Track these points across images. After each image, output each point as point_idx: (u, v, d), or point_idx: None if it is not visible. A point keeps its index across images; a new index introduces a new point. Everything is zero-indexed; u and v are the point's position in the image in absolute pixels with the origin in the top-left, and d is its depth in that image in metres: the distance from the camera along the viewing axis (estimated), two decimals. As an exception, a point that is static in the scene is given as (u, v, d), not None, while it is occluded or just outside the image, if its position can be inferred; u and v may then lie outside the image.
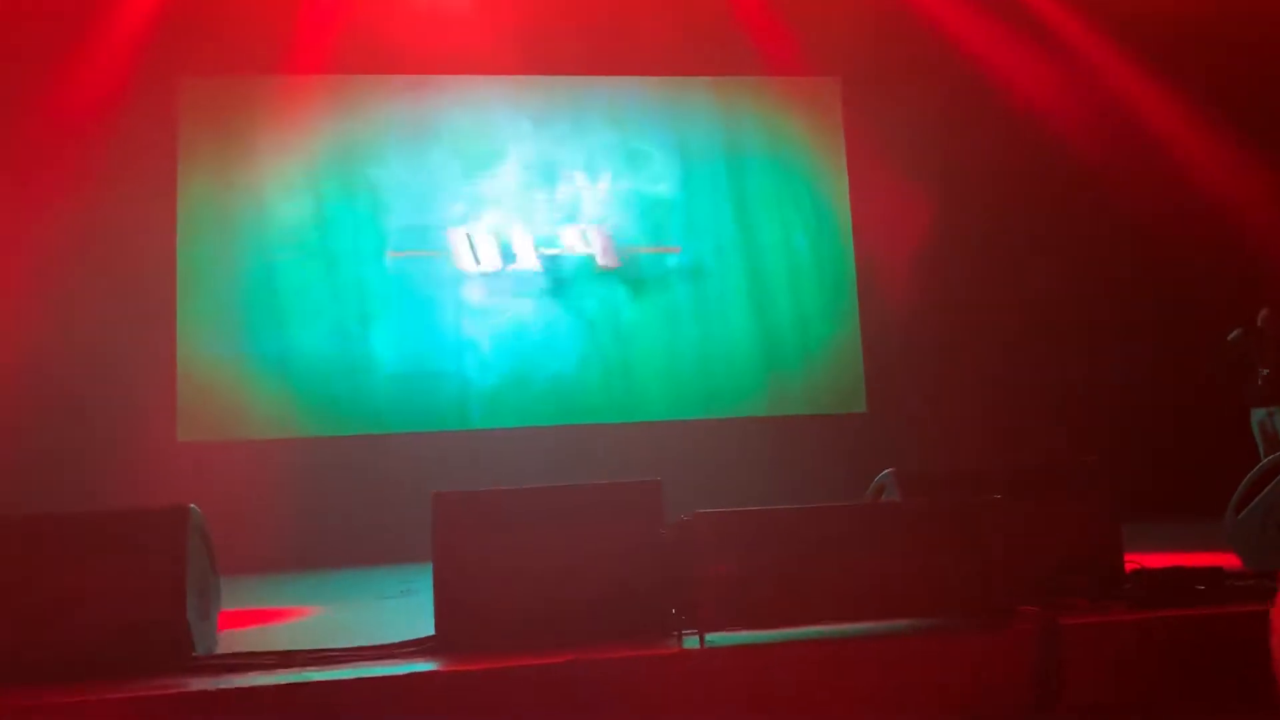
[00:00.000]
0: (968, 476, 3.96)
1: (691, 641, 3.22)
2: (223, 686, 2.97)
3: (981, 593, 3.39)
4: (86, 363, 7.37)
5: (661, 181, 8.46)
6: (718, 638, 3.22)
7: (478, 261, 8.08)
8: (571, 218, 8.28)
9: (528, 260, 8.15)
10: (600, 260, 8.24)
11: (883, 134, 8.47)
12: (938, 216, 8.42)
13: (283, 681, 2.99)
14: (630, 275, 8.32)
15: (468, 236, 8.10)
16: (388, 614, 4.58)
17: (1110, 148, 8.39)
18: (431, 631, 3.38)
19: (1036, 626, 3.25)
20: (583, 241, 8.23)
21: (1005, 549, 3.43)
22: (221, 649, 3.51)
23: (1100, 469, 4.07)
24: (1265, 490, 4.22)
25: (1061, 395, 8.37)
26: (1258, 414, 7.29)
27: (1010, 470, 4.05)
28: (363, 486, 7.53)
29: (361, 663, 3.16)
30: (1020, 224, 8.58)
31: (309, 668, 3.12)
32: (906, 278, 8.34)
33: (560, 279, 8.20)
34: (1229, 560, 4.20)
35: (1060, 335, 8.54)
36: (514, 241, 8.15)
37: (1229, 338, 7.31)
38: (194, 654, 3.24)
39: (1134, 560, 3.83)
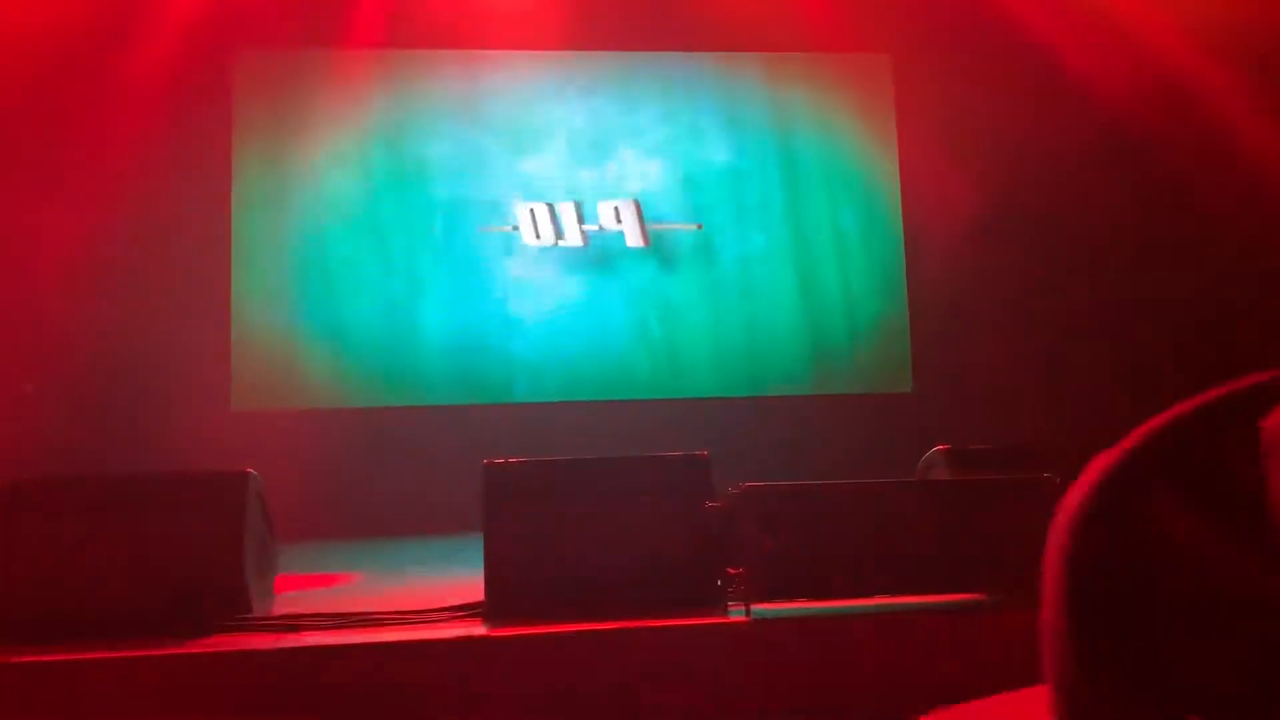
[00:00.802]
0: (1017, 454, 3.94)
1: (738, 613, 3.25)
2: (278, 646, 3.05)
3: (1029, 570, 3.37)
4: (144, 333, 7.52)
5: (709, 158, 8.44)
6: (763, 610, 3.25)
7: (538, 236, 8.13)
8: (618, 194, 8.29)
9: (576, 236, 8.18)
10: (631, 238, 8.23)
11: (934, 111, 8.39)
12: (988, 195, 8.34)
13: (336, 642, 3.06)
14: (677, 252, 8.32)
15: (531, 211, 8.14)
16: (436, 580, 4.64)
17: (1170, 126, 8.25)
18: (480, 598, 3.43)
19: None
20: (623, 218, 8.24)
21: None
22: (276, 610, 3.59)
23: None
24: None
25: (1112, 377, 8.27)
26: None
27: (1059, 448, 4.02)
28: (410, 456, 7.62)
29: (412, 626, 3.23)
30: (1073, 202, 8.47)
31: (361, 629, 3.19)
32: (956, 257, 8.27)
33: (608, 255, 8.22)
34: None
35: (1112, 316, 8.44)
36: (563, 217, 8.18)
37: None
38: (251, 613, 3.33)
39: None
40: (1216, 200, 8.20)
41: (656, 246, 8.27)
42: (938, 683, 3.21)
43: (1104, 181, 8.51)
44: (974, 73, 8.35)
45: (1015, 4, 8.46)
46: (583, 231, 8.18)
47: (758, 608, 3.25)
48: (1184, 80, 8.36)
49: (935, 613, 3.31)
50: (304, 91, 8.13)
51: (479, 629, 3.19)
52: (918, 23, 8.39)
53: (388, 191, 8.12)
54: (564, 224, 8.17)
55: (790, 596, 3.29)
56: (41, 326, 7.41)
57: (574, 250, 8.18)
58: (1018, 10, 8.45)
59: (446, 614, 3.37)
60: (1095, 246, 8.46)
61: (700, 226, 8.33)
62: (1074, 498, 0.65)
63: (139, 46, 7.74)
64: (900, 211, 8.55)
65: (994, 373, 8.17)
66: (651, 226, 8.28)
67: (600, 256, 8.21)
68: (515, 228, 8.14)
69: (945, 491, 3.64)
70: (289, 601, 3.83)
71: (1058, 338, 8.37)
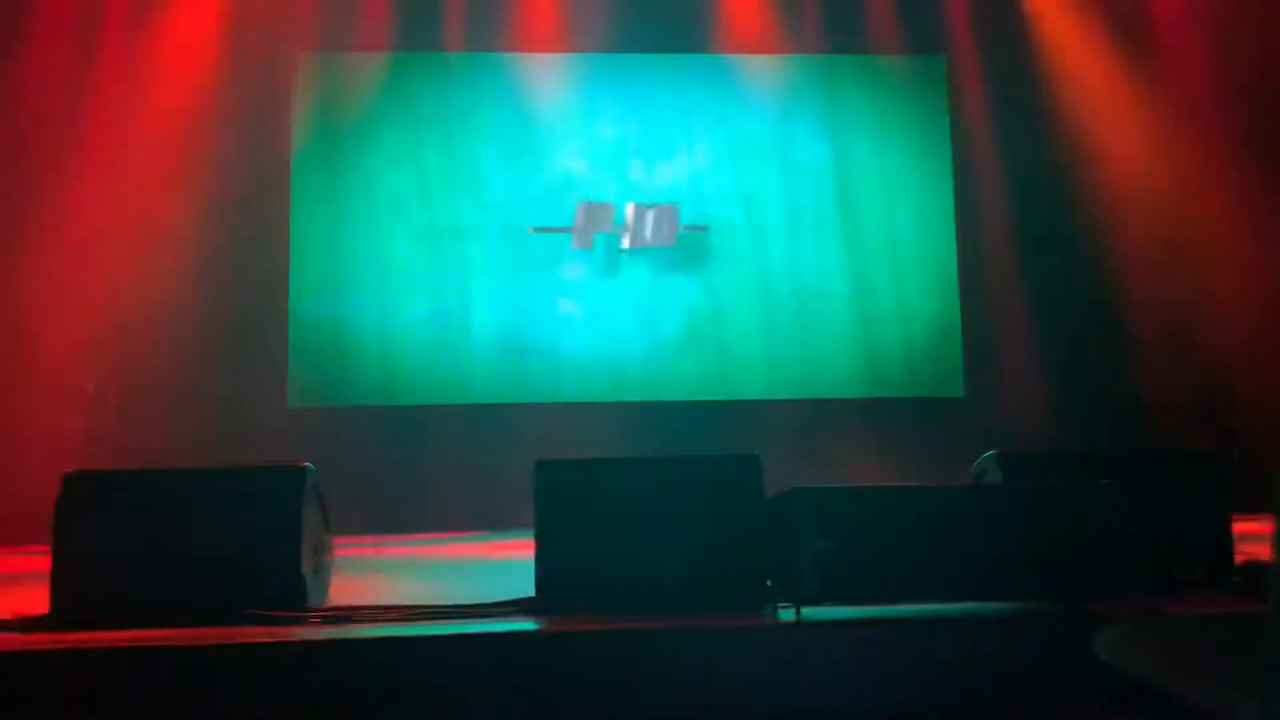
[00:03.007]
0: (1073, 461, 3.90)
1: (787, 614, 3.25)
2: (333, 637, 3.09)
3: (1084, 579, 3.34)
4: (203, 331, 7.67)
5: (762, 159, 8.43)
6: (814, 611, 3.24)
7: (588, 236, 8.17)
8: (669, 195, 8.31)
9: (626, 237, 8.22)
10: (689, 239, 8.24)
11: (988, 114, 8.34)
12: (1043, 198, 8.27)
13: (389, 634, 3.10)
14: (729, 254, 8.32)
15: (582, 212, 8.18)
16: (488, 576, 4.69)
17: (1233, 127, 8.10)
18: (532, 594, 3.46)
19: (1140, 614, 3.20)
20: (679, 220, 8.26)
21: (1110, 535, 3.38)
22: (331, 603, 3.65)
23: (1210, 457, 3.97)
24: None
25: (1168, 383, 8.13)
26: None
27: (1117, 455, 3.98)
28: (461, 454, 7.69)
29: (464, 619, 3.27)
30: (1130, 205, 8.34)
31: (414, 622, 3.24)
32: (1010, 260, 8.20)
33: (658, 256, 8.24)
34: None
35: (1169, 322, 8.28)
36: (613, 218, 8.22)
37: None
38: (307, 605, 3.38)
39: (1248, 554, 3.74)
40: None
41: (708, 248, 8.28)
42: (987, 688, 3.18)
43: (1163, 184, 8.38)
44: (1028, 75, 8.29)
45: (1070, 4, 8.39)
46: (632, 232, 8.21)
47: (808, 609, 3.24)
48: (1251, 79, 8.20)
49: (986, 618, 3.28)
50: (359, 91, 8.23)
51: (530, 624, 3.22)
52: (973, 25, 8.33)
53: (440, 191, 8.20)
54: (615, 225, 8.21)
55: (841, 599, 3.28)
56: (104, 327, 7.58)
57: (625, 251, 8.22)
58: (1073, 10, 8.38)
59: (498, 609, 3.40)
60: (1153, 251, 8.32)
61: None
62: None
63: (197, 47, 7.91)
64: (954, 214, 8.47)
65: (1047, 378, 8.07)
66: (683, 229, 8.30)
67: (651, 257, 8.23)
68: (565, 228, 8.19)
69: (999, 496, 3.60)
70: (342, 595, 3.89)
71: (1112, 342, 8.25)
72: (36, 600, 3.36)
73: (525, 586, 3.52)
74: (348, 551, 5.04)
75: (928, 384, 8.35)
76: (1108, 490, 3.41)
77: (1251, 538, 3.85)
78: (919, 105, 8.61)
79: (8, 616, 3.26)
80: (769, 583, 3.42)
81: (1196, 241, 8.29)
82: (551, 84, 8.37)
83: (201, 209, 7.76)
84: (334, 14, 8.04)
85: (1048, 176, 8.31)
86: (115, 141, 7.74)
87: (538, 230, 8.16)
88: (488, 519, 6.89)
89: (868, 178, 8.49)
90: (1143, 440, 7.77)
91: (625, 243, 8.21)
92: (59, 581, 3.30)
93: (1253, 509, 3.87)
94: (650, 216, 8.23)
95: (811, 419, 7.98)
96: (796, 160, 8.46)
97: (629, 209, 8.24)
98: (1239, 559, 3.71)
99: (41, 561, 3.44)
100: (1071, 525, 3.39)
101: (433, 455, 7.68)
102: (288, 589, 3.36)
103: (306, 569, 3.42)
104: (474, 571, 5.03)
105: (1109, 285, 8.27)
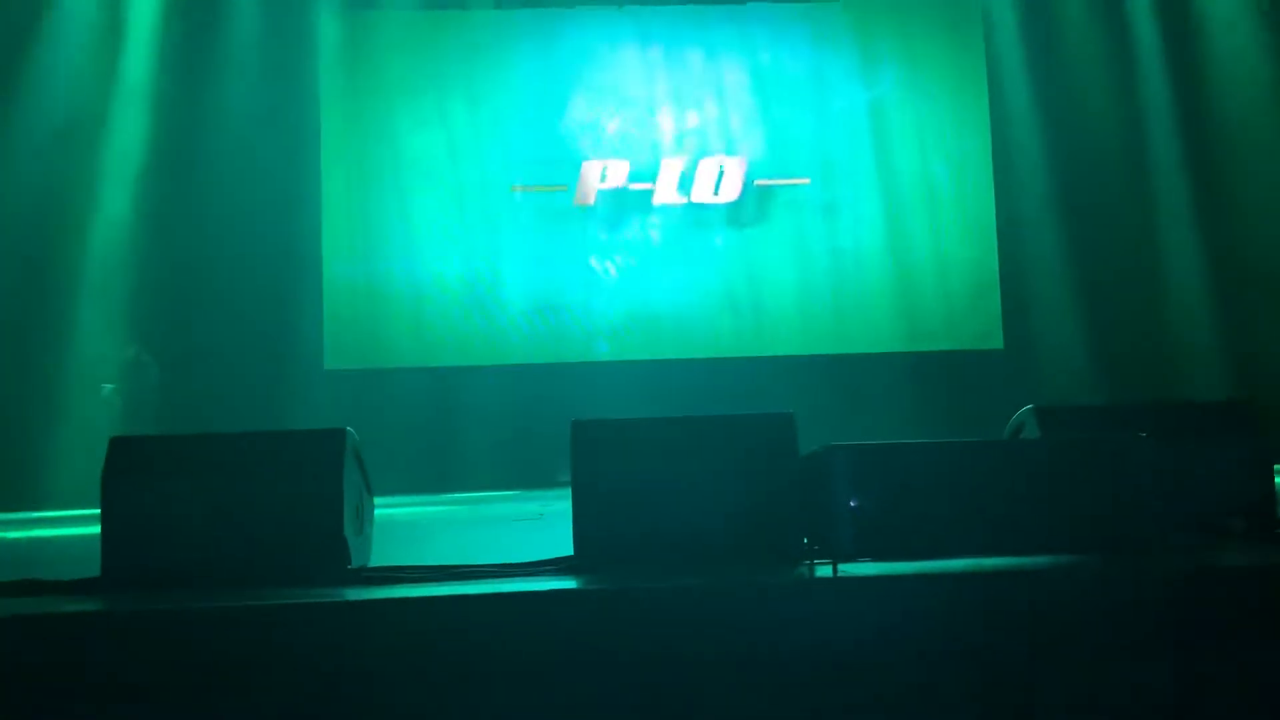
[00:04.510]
0: (1111, 413, 3.87)
1: (824, 570, 3.26)
2: (376, 597, 3.15)
3: (1124, 532, 3.33)
4: (240, 295, 7.75)
5: (795, 110, 8.33)
6: (850, 567, 3.25)
7: (620, 192, 8.15)
8: (702, 149, 8.25)
9: (659, 193, 8.18)
10: (723, 193, 8.19)
11: (1025, 59, 8.20)
12: (1082, 145, 8.13)
13: (432, 594, 3.15)
14: (763, 207, 8.26)
15: (607, 169, 8.16)
16: (524, 535, 4.74)
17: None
18: (569, 553, 3.50)
19: (1179, 567, 3.18)
20: (713, 174, 8.20)
21: (1149, 487, 3.36)
22: (373, 564, 3.70)
23: (1250, 408, 3.93)
24: None
25: (1206, 332, 8.03)
26: None
27: (1156, 407, 3.94)
28: (496, 414, 7.76)
29: (504, 578, 3.31)
30: (1171, 152, 8.19)
31: (455, 581, 3.28)
32: (1049, 211, 8.10)
33: (692, 212, 8.20)
34: None
35: (1207, 272, 8.16)
36: (644, 174, 8.18)
37: None
38: (350, 566, 3.44)
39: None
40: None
41: (742, 203, 8.23)
42: (1025, 643, 3.18)
43: (1204, 130, 8.22)
44: (1065, 19, 8.14)
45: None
46: (664, 188, 8.17)
47: (845, 565, 3.25)
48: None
49: (1025, 573, 3.27)
50: (386, 52, 8.22)
51: (568, 582, 3.26)
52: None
53: (468, 150, 8.20)
54: (639, 180, 8.17)
55: (878, 555, 3.29)
56: (142, 292, 7.68)
57: (657, 207, 8.18)
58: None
59: (537, 568, 3.44)
60: (1196, 199, 8.18)
61: (808, 180, 8.25)
62: None
63: (225, 9, 7.92)
64: (991, 164, 8.36)
65: (1086, 329, 7.99)
66: (760, 182, 8.23)
67: (684, 213, 8.19)
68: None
69: (1036, 450, 3.59)
70: (383, 555, 3.94)
71: (1150, 293, 8.15)
72: (89, 564, 3.43)
73: (563, 545, 3.55)
74: (385, 511, 5.11)
75: (966, 336, 8.29)
76: (1147, 442, 3.38)
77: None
78: (955, 52, 8.47)
79: (61, 580, 3.34)
80: (805, 540, 3.43)
81: (1234, 188, 8.14)
82: (576, 38, 8.31)
83: (233, 173, 7.81)
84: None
85: (1087, 122, 8.16)
86: (145, 105, 7.79)
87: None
88: (525, 478, 6.96)
89: (904, 126, 8.38)
90: (1181, 390, 7.70)
91: (656, 199, 8.18)
92: (109, 545, 3.37)
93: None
94: (706, 170, 8.17)
95: (848, 374, 7.96)
96: (831, 109, 8.36)
97: (666, 164, 8.19)
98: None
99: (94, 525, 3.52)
100: (1110, 478, 3.37)
101: (469, 415, 7.74)
102: (331, 551, 3.41)
103: (349, 530, 3.47)
104: (512, 531, 5.09)
105: (1148, 234, 8.16)
